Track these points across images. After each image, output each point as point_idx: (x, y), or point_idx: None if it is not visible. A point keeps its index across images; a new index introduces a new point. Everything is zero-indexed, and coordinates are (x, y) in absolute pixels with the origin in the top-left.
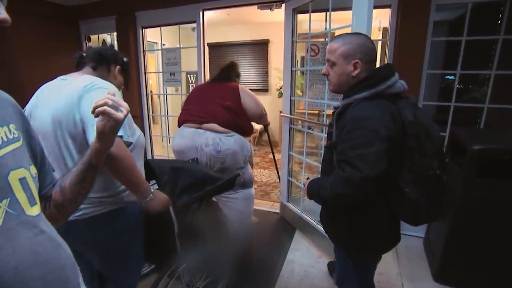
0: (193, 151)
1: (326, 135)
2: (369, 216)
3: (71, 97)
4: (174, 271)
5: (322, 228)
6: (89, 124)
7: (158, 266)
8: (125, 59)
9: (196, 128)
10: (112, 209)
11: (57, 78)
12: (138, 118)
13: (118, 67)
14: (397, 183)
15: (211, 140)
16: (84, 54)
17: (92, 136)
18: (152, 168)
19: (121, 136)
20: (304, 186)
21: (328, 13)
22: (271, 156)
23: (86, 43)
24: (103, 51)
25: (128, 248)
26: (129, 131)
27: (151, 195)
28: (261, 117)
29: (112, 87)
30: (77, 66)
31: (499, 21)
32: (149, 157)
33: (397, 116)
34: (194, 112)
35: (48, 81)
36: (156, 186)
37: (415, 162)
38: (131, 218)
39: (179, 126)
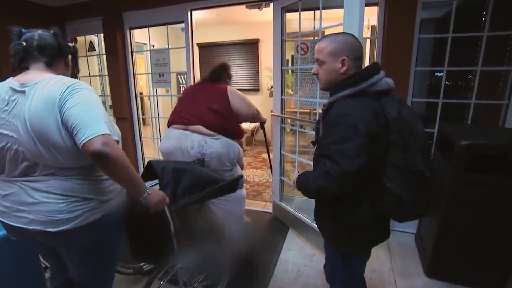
0: (179, 153)
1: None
2: (352, 210)
3: (48, 105)
4: (169, 270)
5: (315, 226)
6: (81, 125)
7: (156, 266)
8: (70, 44)
9: (183, 129)
10: (101, 215)
11: (5, 83)
12: (128, 120)
13: (69, 56)
14: (380, 178)
15: (196, 143)
16: (24, 44)
17: (83, 137)
18: (155, 168)
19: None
20: (294, 182)
21: (316, 11)
22: (263, 155)
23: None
24: (59, 42)
25: (109, 254)
26: (112, 129)
27: (147, 191)
28: (254, 117)
29: (88, 86)
30: (21, 62)
31: (483, 18)
32: (139, 159)
33: (380, 113)
34: (181, 113)
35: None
36: (158, 187)
37: (398, 157)
38: (114, 224)
39: (168, 127)
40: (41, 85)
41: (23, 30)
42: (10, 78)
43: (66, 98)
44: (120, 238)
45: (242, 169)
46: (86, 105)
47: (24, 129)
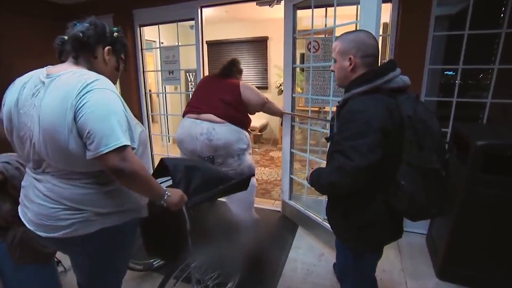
0: (190, 140)
1: (328, 131)
2: (364, 207)
3: (62, 103)
4: (185, 268)
5: (325, 224)
6: (96, 135)
7: (168, 263)
8: (115, 34)
9: (195, 118)
10: (98, 229)
11: (41, 71)
12: (137, 118)
13: (108, 48)
14: (395, 175)
15: (205, 129)
16: (66, 38)
17: (99, 149)
18: (167, 166)
19: (126, 146)
20: (307, 179)
21: (328, 9)
22: (271, 154)
23: None
24: (83, 34)
25: (111, 267)
26: (132, 133)
27: (167, 193)
28: (264, 105)
29: (108, 85)
30: (60, 56)
31: (502, 15)
32: (148, 156)
33: (395, 110)
34: (195, 104)
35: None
36: (170, 182)
37: (412, 155)
38: (116, 240)
39: (183, 117)
40: (60, 79)
41: (77, 23)
42: (46, 67)
43: (83, 100)
44: (126, 254)
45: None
46: (104, 110)
47: (37, 121)
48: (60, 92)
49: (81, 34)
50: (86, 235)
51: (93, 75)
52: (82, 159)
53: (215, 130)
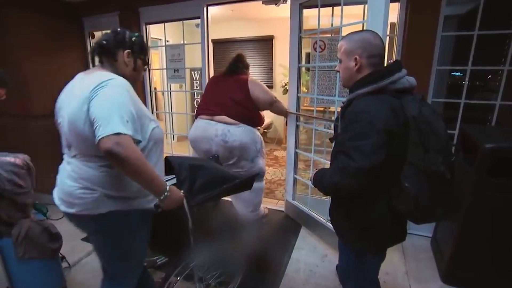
0: (205, 141)
1: (332, 131)
2: (367, 208)
3: (81, 97)
4: (186, 266)
5: (329, 225)
6: (99, 122)
7: (170, 260)
8: (133, 39)
9: (209, 120)
10: (107, 211)
11: (78, 74)
12: None
13: (127, 51)
14: (398, 177)
15: (220, 131)
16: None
17: (98, 134)
18: (172, 164)
19: (121, 134)
20: (311, 179)
21: (334, 7)
22: (275, 153)
23: (90, 40)
24: (104, 40)
25: (123, 250)
26: (139, 126)
27: (166, 193)
28: (272, 104)
29: (120, 82)
30: (93, 63)
31: None
32: (160, 152)
33: (400, 111)
34: (207, 105)
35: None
36: (174, 181)
37: (417, 157)
38: (123, 226)
39: (195, 118)
40: (86, 79)
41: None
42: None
43: (95, 93)
44: (136, 242)
45: (264, 157)
46: (109, 101)
47: (66, 113)
48: (83, 89)
49: (104, 42)
50: (97, 215)
51: (111, 75)
52: (95, 143)
53: (230, 132)
